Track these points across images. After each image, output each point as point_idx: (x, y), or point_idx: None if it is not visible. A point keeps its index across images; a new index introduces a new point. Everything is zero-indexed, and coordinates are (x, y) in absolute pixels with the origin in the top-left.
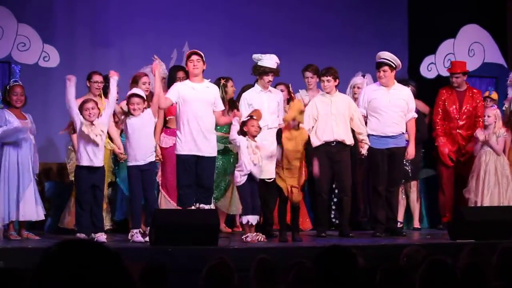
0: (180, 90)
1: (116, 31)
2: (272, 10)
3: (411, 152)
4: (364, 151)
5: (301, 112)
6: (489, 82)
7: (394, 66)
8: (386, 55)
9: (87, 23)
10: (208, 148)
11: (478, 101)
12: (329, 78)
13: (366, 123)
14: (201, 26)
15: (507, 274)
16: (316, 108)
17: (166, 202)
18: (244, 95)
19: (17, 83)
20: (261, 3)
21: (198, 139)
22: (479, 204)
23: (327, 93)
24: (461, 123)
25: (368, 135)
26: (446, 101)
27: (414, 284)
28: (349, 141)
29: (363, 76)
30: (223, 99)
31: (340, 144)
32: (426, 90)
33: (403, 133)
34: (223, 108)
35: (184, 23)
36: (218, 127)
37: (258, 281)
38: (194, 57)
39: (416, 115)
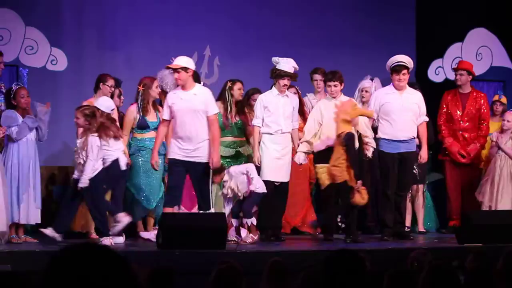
0: (169, 101)
1: (124, 35)
2: (279, 14)
3: (424, 155)
4: (369, 153)
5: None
6: (496, 86)
7: (409, 69)
8: (404, 58)
9: (95, 26)
10: (197, 153)
11: (483, 102)
12: (336, 83)
13: (375, 127)
14: (208, 30)
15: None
16: (320, 113)
17: None
18: (261, 96)
19: (20, 86)
20: (266, 6)
21: (185, 146)
22: (493, 209)
23: (333, 97)
24: (464, 125)
25: (379, 139)
26: (450, 103)
27: None
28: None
29: (372, 79)
30: (229, 102)
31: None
32: (434, 94)
33: (414, 138)
34: (215, 111)
35: (191, 27)
36: (229, 131)
37: (270, 284)
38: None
39: (427, 119)
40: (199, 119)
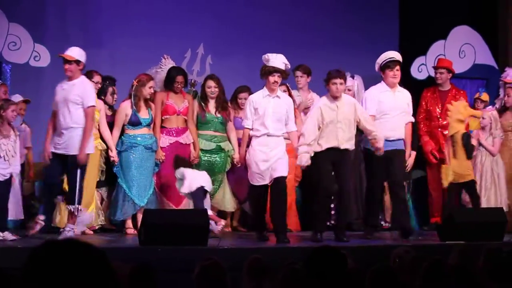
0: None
1: (108, 32)
2: (264, 12)
3: (409, 160)
4: (379, 144)
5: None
6: (479, 84)
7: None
8: (395, 54)
9: (79, 23)
10: (66, 144)
11: (462, 99)
12: (341, 80)
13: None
14: (192, 28)
15: (495, 275)
16: (321, 115)
17: (161, 201)
18: (251, 97)
19: (1, 82)
20: (251, 4)
21: (60, 136)
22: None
23: (335, 97)
24: (443, 122)
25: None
26: (429, 101)
27: (404, 285)
28: (351, 147)
29: (352, 77)
30: (200, 97)
31: (343, 150)
32: (416, 91)
33: (402, 139)
34: (90, 104)
35: (176, 25)
36: (208, 125)
37: (250, 281)
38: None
39: (413, 120)
40: (72, 110)
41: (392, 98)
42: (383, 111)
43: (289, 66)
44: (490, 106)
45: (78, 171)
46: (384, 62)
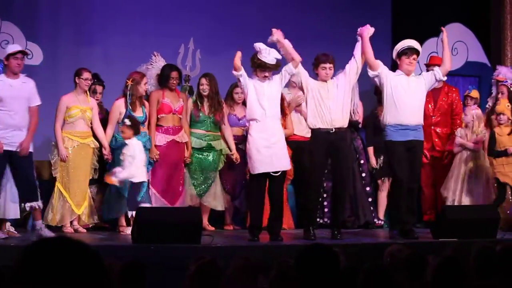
0: None
1: (101, 30)
2: (254, 9)
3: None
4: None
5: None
6: (472, 81)
7: (419, 55)
8: (414, 43)
9: (71, 21)
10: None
11: (455, 96)
12: (330, 65)
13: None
14: (184, 26)
15: (484, 272)
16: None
17: (157, 199)
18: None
19: None
20: (242, 2)
21: (11, 134)
22: (456, 203)
23: (325, 81)
24: (435, 120)
25: (386, 126)
26: None
27: (398, 284)
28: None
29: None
30: (196, 95)
31: (339, 131)
32: None
33: (422, 125)
34: (38, 103)
35: (168, 24)
36: (200, 124)
37: (239, 281)
38: (19, 55)
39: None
40: (25, 107)
41: (406, 85)
42: (398, 96)
43: (280, 57)
44: (475, 105)
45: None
46: (402, 49)
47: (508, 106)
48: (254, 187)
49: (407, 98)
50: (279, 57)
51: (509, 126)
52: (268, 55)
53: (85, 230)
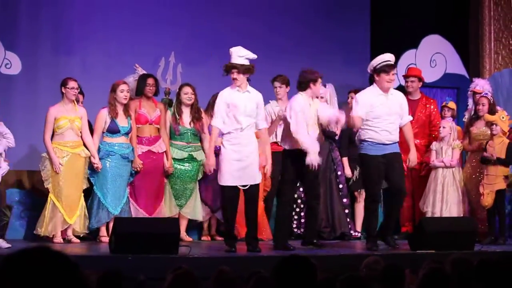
0: None
1: (79, 39)
2: (239, 18)
3: (412, 158)
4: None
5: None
6: (450, 93)
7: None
8: (392, 58)
9: (50, 30)
10: None
11: (433, 108)
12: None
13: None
14: (164, 37)
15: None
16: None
17: (135, 210)
18: (221, 93)
19: None
20: (226, 11)
21: None
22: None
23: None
24: (414, 131)
25: (363, 141)
26: None
27: None
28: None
29: (324, 85)
30: (175, 107)
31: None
32: None
33: (397, 142)
34: None
35: (147, 34)
36: (181, 137)
37: None
38: None
39: (411, 118)
40: None
41: (385, 102)
42: (377, 115)
43: (251, 57)
44: (450, 118)
45: None
46: (380, 66)
47: (503, 118)
48: (225, 198)
49: (386, 117)
50: (246, 54)
51: (502, 137)
52: (232, 54)
53: (78, 240)
